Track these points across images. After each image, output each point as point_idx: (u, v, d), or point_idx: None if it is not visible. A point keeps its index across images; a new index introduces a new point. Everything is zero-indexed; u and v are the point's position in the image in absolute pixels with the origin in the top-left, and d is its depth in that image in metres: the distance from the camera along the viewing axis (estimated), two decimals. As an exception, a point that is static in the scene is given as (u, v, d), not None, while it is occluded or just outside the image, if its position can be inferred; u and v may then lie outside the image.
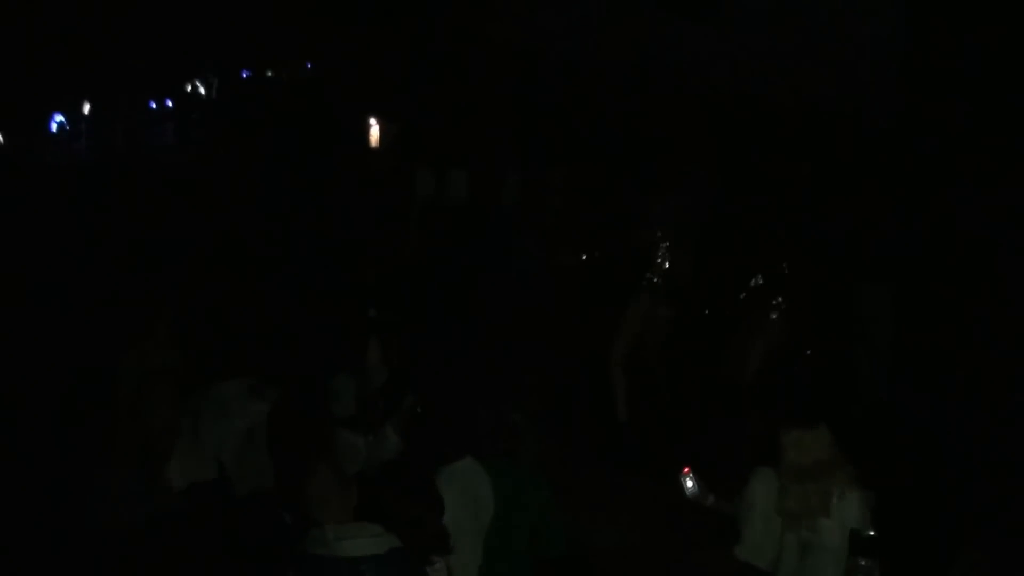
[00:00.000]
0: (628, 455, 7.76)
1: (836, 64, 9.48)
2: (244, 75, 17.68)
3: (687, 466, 5.23)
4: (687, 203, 8.26)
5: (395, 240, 10.99)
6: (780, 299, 8.11)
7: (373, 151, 13.77)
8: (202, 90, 17.77)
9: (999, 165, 7.83)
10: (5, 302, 9.43)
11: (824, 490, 4.73)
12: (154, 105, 17.47)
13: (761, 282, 8.19)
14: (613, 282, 8.65)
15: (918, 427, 7.43)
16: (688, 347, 8.64)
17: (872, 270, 8.35)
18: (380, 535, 3.91)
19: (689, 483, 5.19)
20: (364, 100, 13.99)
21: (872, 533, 4.47)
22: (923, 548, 5.72)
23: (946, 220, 8.21)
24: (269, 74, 17.09)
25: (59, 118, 16.54)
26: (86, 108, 16.90)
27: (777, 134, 9.81)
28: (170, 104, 17.61)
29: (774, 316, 8.11)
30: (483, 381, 7.36)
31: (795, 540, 4.83)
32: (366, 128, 13.80)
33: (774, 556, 4.92)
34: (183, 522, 4.72)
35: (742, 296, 8.32)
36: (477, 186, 11.24)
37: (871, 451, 5.86)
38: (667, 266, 8.08)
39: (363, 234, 11.17)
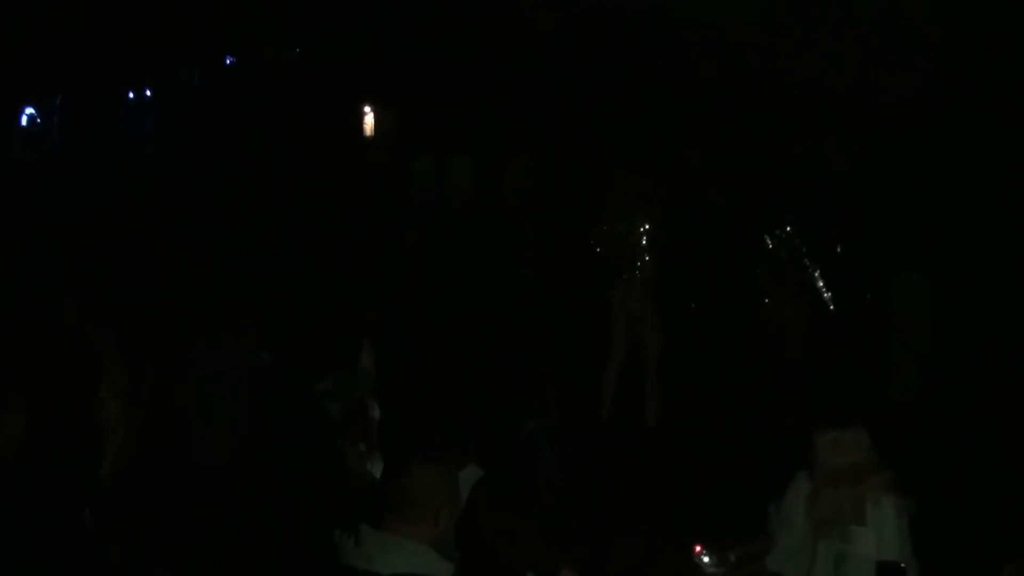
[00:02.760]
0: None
1: (871, 49, 9.51)
2: (228, 61, 17.71)
3: (698, 544, 5.19)
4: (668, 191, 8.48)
5: (393, 234, 11.02)
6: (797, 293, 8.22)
7: (368, 140, 13.79)
8: (183, 78, 17.80)
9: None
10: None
11: (859, 496, 4.67)
12: (132, 95, 17.48)
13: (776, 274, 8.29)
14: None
15: (956, 428, 7.43)
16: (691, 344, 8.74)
17: (909, 262, 8.37)
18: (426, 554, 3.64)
19: (706, 559, 5.14)
20: (357, 86, 14.02)
21: (903, 565, 4.47)
22: (964, 558, 5.71)
23: (988, 212, 8.21)
24: (255, 59, 17.12)
25: (30, 111, 16.52)
26: (59, 100, 16.90)
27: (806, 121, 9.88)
28: (149, 94, 17.61)
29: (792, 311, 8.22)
30: (490, 386, 7.39)
31: (828, 549, 4.76)
32: (360, 115, 13.82)
33: (808, 566, 4.85)
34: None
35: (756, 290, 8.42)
36: (482, 176, 11.30)
37: (909, 454, 5.85)
38: (647, 258, 8.26)
39: (358, 228, 11.20)
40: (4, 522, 4.61)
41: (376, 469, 5.53)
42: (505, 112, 11.67)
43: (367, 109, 14.16)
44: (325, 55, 15.36)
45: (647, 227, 8.29)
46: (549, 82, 11.34)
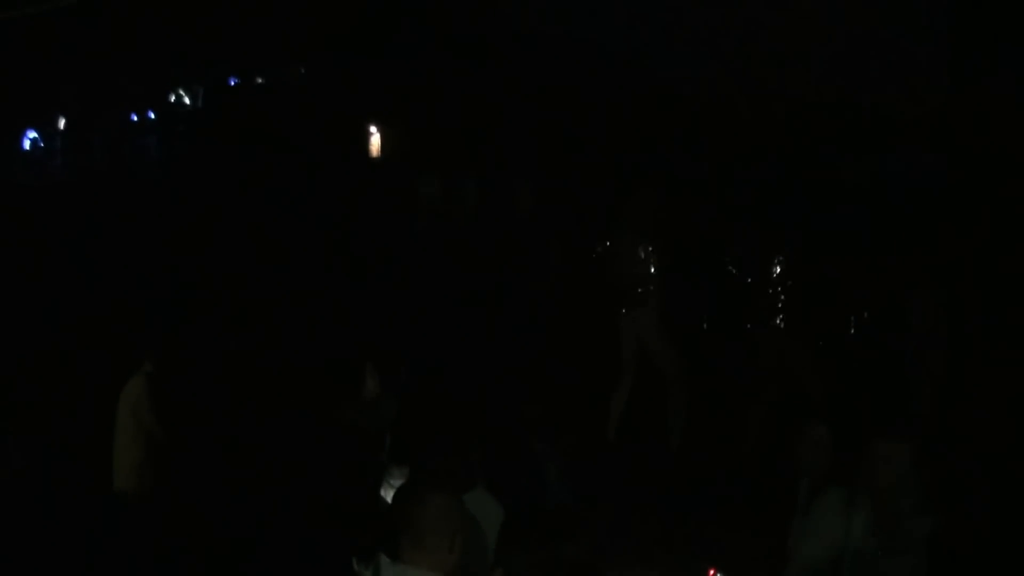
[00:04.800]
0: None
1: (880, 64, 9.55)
2: (231, 82, 17.78)
3: (712, 568, 5.23)
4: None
5: (398, 254, 11.09)
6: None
7: (374, 159, 13.85)
8: (186, 100, 17.87)
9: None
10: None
11: (898, 510, 4.71)
12: (135, 117, 17.57)
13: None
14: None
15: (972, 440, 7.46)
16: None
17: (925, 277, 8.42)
18: None
19: None
20: (363, 105, 14.09)
21: None
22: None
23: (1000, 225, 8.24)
24: (259, 80, 17.20)
25: (32, 135, 16.65)
26: (61, 123, 17.02)
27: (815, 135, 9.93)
28: (152, 116, 17.69)
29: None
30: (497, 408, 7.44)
31: (862, 563, 4.77)
32: (366, 135, 13.88)
33: None
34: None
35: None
36: (487, 193, 11.37)
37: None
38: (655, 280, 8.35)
39: (363, 249, 11.26)
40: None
41: (390, 496, 5.58)
42: (512, 131, 11.73)
43: (372, 128, 14.24)
44: (330, 73, 15.45)
45: (654, 249, 8.39)
46: (556, 101, 11.42)
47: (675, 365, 8.47)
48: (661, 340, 8.44)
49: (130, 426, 7.06)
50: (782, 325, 8.31)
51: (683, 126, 10.67)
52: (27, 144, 16.51)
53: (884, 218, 9.11)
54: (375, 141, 13.91)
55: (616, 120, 11.01)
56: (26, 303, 10.36)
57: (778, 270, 8.28)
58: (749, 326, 8.53)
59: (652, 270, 8.38)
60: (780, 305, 8.31)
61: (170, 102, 17.74)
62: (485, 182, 11.76)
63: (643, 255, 8.36)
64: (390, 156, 13.83)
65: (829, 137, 9.96)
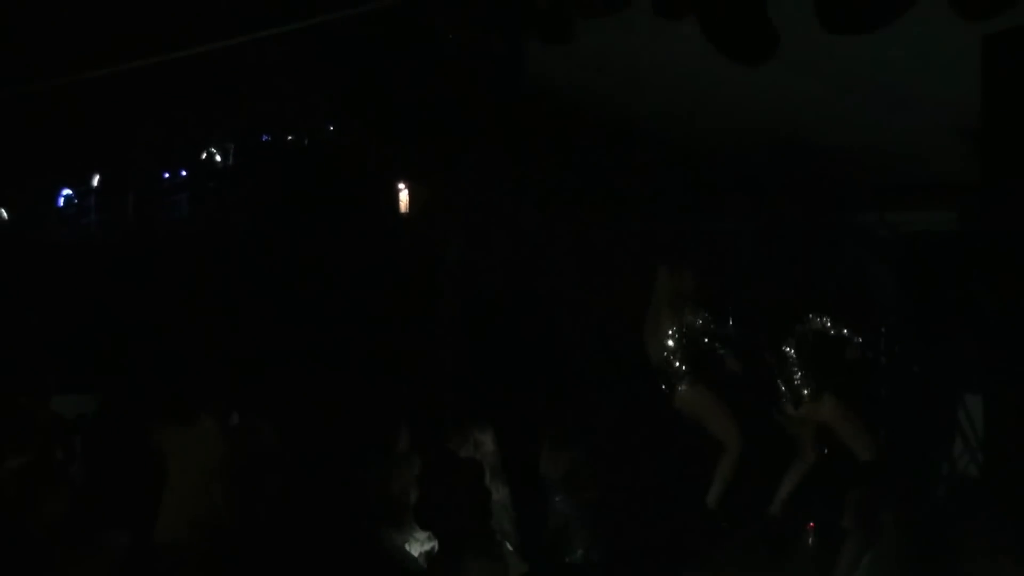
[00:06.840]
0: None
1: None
2: (263, 139, 18.04)
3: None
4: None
5: (428, 314, 11.21)
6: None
7: (404, 219, 14.02)
8: (218, 157, 18.13)
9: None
10: (8, 391, 9.74)
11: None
12: (167, 175, 17.84)
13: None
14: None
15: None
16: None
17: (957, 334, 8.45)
18: None
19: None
20: (393, 164, 14.31)
21: None
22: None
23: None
24: (290, 138, 17.44)
25: (66, 192, 17.01)
26: (95, 181, 17.35)
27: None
28: (184, 174, 17.96)
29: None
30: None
31: None
32: (395, 194, 14.08)
33: None
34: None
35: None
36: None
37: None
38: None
39: (393, 310, 11.40)
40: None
41: (415, 550, 5.73)
42: (543, 189, 11.88)
43: (401, 185, 14.44)
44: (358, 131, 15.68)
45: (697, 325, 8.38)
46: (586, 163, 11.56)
47: (735, 440, 8.41)
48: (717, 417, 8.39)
49: (194, 481, 7.25)
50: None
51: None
52: (61, 201, 16.82)
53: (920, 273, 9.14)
54: (404, 198, 14.11)
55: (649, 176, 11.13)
56: (57, 361, 10.54)
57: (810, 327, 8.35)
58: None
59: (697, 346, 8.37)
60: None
61: (201, 160, 17.98)
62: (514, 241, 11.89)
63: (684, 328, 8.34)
64: (421, 214, 14.01)
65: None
